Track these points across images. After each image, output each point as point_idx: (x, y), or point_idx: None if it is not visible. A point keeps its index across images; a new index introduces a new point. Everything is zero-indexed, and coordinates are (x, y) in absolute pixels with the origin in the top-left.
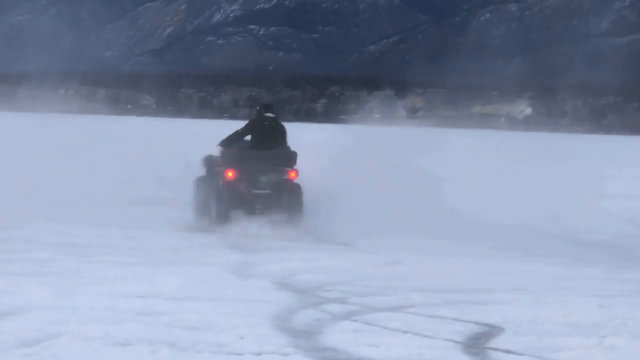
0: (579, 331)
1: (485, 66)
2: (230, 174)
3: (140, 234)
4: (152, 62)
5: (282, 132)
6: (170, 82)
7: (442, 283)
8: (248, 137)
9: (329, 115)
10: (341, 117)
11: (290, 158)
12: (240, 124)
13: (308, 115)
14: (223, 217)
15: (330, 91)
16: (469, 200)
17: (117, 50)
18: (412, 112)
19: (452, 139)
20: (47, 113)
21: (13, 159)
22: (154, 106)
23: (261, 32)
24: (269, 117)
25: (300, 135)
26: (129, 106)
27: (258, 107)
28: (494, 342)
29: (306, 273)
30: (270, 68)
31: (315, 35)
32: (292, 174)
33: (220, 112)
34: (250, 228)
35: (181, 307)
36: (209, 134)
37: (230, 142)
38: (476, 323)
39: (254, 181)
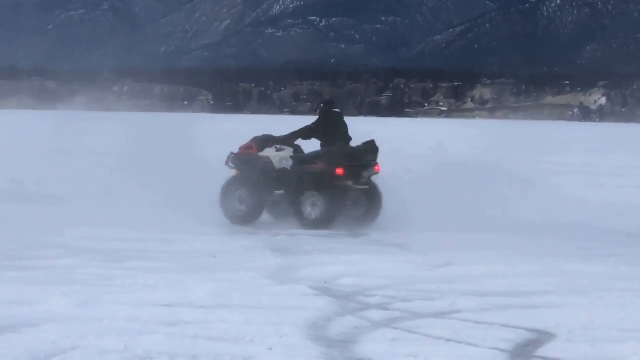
0: (637, 337)
1: (557, 55)
2: (339, 170)
3: (178, 237)
4: (209, 57)
5: (347, 127)
6: (228, 77)
7: (493, 286)
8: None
9: (394, 108)
10: (406, 110)
11: (377, 152)
12: (302, 119)
13: (372, 109)
14: (331, 219)
15: (395, 84)
16: (540, 195)
17: (173, 45)
18: (481, 104)
19: (523, 131)
20: (100, 112)
21: (57, 159)
22: (212, 102)
23: (322, 24)
24: (338, 112)
25: (365, 129)
26: (186, 102)
27: (323, 104)
28: (543, 350)
29: (349, 277)
30: (332, 61)
31: (378, 26)
32: (377, 168)
33: (281, 108)
34: (296, 227)
35: (210, 316)
36: (269, 130)
37: (300, 136)
38: (526, 329)
39: (359, 177)
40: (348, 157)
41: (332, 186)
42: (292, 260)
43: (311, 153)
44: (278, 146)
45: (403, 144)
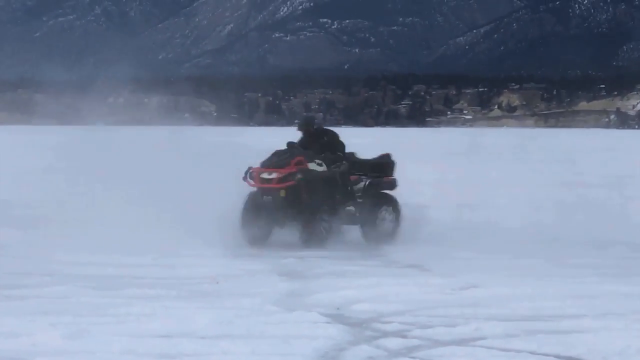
0: None
1: (590, 56)
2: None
3: (178, 261)
4: (211, 64)
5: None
6: (232, 86)
7: (520, 310)
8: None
9: (414, 117)
10: (428, 119)
11: (392, 167)
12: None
13: (390, 118)
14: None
15: (415, 90)
16: (573, 210)
17: (172, 52)
18: (509, 111)
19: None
20: (94, 125)
21: (44, 177)
22: (215, 114)
23: (334, 26)
24: (321, 130)
25: (383, 139)
26: (187, 115)
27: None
28: None
29: (364, 302)
30: (346, 66)
31: (395, 28)
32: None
33: (291, 118)
34: (307, 250)
35: (211, 348)
36: (278, 143)
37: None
38: (556, 357)
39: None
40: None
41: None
42: (302, 285)
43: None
44: (318, 161)
45: (424, 155)
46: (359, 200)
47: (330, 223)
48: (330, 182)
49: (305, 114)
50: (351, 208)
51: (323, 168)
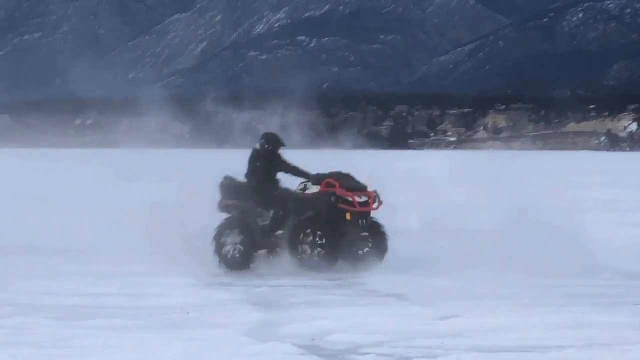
0: None
1: (580, 76)
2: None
3: (146, 291)
4: (184, 84)
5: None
6: (206, 106)
7: (504, 340)
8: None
9: (396, 139)
10: (410, 141)
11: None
12: (291, 153)
13: (371, 140)
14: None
15: (397, 111)
16: (559, 236)
17: (142, 72)
18: (495, 133)
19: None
20: (60, 149)
21: (5, 203)
22: (188, 136)
23: (312, 44)
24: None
25: (363, 163)
26: (158, 137)
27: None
28: None
29: (340, 333)
30: (325, 86)
31: (376, 46)
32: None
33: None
34: (282, 278)
35: None
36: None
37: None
38: None
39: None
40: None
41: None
42: (275, 315)
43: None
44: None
45: (405, 180)
46: None
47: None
48: None
49: (268, 132)
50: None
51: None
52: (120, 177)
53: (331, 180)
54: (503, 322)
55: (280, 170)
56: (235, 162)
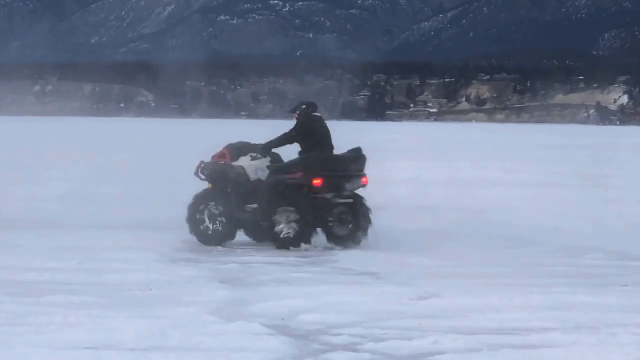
0: None
1: (568, 45)
2: (316, 181)
3: (106, 266)
4: (150, 50)
5: (330, 135)
6: (172, 73)
7: (485, 322)
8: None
9: (373, 110)
10: (388, 112)
11: (364, 162)
12: (263, 124)
13: (347, 111)
14: (306, 236)
15: (374, 80)
16: (544, 213)
17: (106, 36)
18: (478, 104)
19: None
20: (18, 116)
21: None
22: (153, 104)
23: (285, 9)
24: (319, 117)
25: (339, 134)
26: (122, 105)
27: (304, 106)
28: None
29: (311, 312)
30: (298, 53)
31: (353, 11)
32: (365, 180)
33: (237, 110)
34: (252, 254)
35: None
36: (223, 137)
37: (277, 146)
38: None
39: (341, 189)
40: (328, 165)
41: (309, 199)
42: (243, 293)
43: (288, 161)
44: (253, 154)
45: (383, 153)
46: None
47: (224, 224)
48: (238, 180)
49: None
50: (253, 206)
51: (259, 162)
52: (81, 146)
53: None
54: (484, 302)
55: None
56: (203, 132)
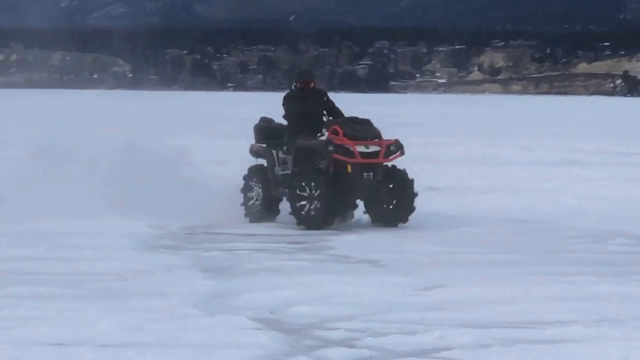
0: None
1: (592, 8)
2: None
3: (78, 254)
4: (126, 14)
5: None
6: (151, 41)
7: (497, 314)
8: None
9: (375, 81)
10: (392, 83)
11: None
12: (252, 96)
13: (346, 82)
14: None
15: (376, 48)
16: (564, 194)
17: None
18: (491, 74)
19: (546, 109)
20: None
21: None
22: (130, 75)
23: None
24: (299, 90)
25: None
26: (95, 75)
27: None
28: None
29: (304, 304)
30: (291, 18)
31: None
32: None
33: (223, 81)
34: (239, 240)
35: (115, 358)
36: (208, 110)
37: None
38: None
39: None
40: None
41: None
42: (228, 283)
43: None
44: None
45: (385, 129)
46: None
47: None
48: None
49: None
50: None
51: None
52: (49, 121)
53: (337, 127)
54: (496, 293)
55: (312, 110)
56: (183, 105)
